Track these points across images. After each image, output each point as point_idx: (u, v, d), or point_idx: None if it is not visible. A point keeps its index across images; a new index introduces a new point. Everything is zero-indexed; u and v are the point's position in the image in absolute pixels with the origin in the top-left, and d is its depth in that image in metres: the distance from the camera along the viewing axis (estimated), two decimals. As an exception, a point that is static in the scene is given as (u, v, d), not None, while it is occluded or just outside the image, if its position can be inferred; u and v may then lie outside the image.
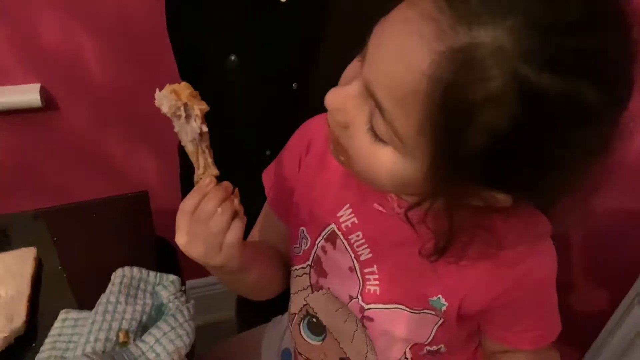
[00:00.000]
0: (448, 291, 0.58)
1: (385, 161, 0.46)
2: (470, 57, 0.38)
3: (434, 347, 0.63)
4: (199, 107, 0.50)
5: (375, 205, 0.58)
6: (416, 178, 0.45)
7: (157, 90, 0.50)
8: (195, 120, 0.51)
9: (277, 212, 0.70)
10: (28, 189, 1.13)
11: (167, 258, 0.70)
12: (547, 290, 0.61)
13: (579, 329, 0.97)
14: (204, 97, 0.80)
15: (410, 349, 0.63)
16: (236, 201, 0.53)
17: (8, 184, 1.11)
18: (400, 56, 0.41)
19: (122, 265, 0.66)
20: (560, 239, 0.72)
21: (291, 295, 0.72)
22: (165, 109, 0.50)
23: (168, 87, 0.50)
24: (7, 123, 1.04)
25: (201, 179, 0.53)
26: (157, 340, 0.58)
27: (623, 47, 0.40)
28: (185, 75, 0.90)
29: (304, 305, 0.68)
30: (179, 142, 0.54)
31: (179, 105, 0.50)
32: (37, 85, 1.01)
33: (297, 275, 0.69)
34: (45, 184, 1.14)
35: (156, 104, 0.50)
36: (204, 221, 0.52)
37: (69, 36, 0.98)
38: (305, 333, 0.70)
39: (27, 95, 1.00)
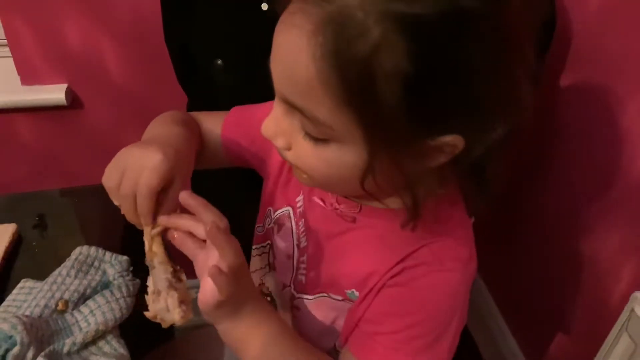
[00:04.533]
0: (359, 285, 0.57)
1: (333, 157, 0.47)
2: (342, 19, 0.39)
3: None
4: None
5: (315, 198, 0.60)
6: (364, 160, 0.45)
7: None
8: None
9: (224, 140, 0.69)
10: (54, 177, 1.23)
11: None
12: (438, 310, 0.54)
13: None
14: (195, 96, 0.82)
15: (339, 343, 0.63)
16: None
17: (35, 173, 1.22)
18: (286, 54, 0.43)
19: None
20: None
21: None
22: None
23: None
24: (35, 119, 1.14)
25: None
26: (91, 312, 0.62)
27: None
28: (180, 76, 0.96)
29: (260, 284, 0.70)
30: None
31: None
32: (64, 86, 1.11)
33: (256, 254, 0.70)
34: (69, 174, 1.23)
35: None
36: None
37: (92, 41, 1.07)
38: None
39: (54, 94, 1.10)
